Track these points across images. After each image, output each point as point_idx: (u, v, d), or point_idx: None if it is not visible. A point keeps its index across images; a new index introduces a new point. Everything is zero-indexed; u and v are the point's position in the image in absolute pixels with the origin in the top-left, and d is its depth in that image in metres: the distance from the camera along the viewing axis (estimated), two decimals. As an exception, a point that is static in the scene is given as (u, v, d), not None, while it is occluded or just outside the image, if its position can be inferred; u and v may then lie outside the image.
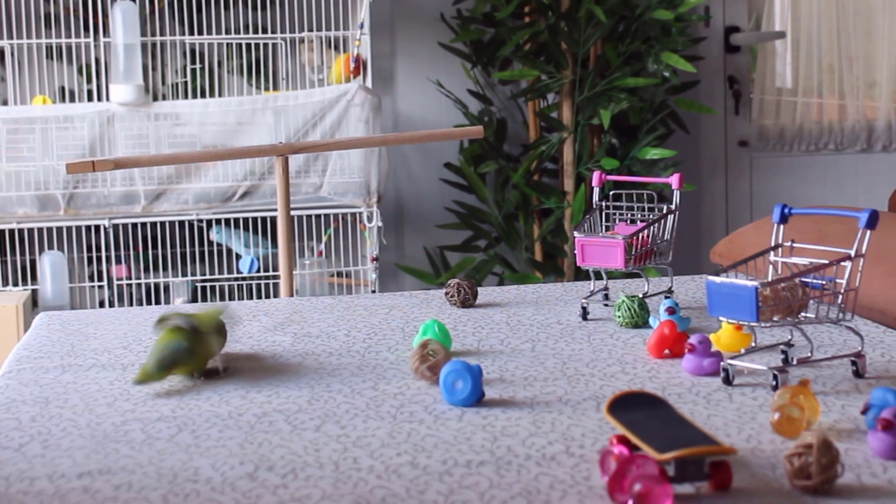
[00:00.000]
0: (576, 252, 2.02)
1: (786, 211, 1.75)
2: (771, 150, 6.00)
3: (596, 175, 2.15)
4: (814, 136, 6.02)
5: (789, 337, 1.69)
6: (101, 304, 4.69)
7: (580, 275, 4.68)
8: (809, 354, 1.67)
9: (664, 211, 2.06)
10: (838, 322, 1.66)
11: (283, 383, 1.65)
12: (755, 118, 5.95)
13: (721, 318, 1.62)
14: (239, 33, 4.90)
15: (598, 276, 2.09)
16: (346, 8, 4.76)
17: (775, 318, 1.59)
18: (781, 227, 1.74)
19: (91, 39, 4.63)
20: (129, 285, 4.76)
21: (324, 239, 4.92)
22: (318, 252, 4.91)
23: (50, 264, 4.48)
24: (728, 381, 1.62)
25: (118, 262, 4.65)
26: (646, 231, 2.02)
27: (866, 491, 1.22)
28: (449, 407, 1.52)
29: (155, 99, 4.69)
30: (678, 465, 1.21)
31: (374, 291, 4.73)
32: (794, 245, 1.73)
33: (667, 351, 1.77)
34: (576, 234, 2.03)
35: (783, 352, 1.62)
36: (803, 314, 1.62)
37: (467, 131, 3.90)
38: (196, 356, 2.06)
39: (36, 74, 4.62)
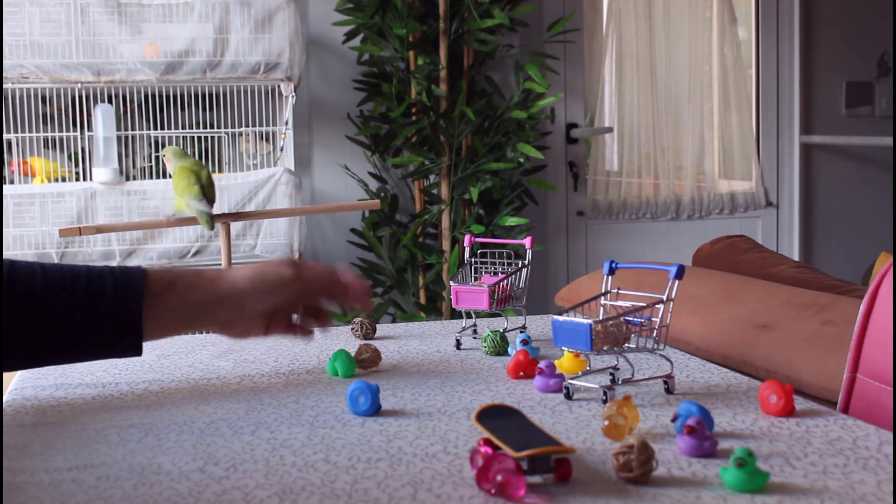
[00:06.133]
0: (451, 297, 2.02)
1: (613, 265, 1.76)
2: (602, 219, 6.04)
3: (467, 238, 2.15)
4: (635, 207, 6.08)
5: (616, 362, 1.70)
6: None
7: (455, 314, 4.69)
8: (631, 376, 1.67)
9: (520, 265, 2.07)
10: (654, 351, 1.67)
11: (225, 398, 1.63)
12: (589, 194, 6.00)
13: (563, 348, 1.63)
14: (192, 128, 4.88)
15: (468, 315, 2.09)
16: (274, 108, 4.76)
17: (605, 348, 1.59)
18: (610, 277, 1.75)
19: (78, 133, 4.59)
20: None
21: (257, 287, 4.89)
22: (253, 297, 4.87)
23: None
24: (569, 396, 1.62)
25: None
26: (505, 281, 2.02)
27: (675, 481, 1.23)
28: (353, 416, 1.51)
29: (127, 179, 4.65)
30: (530, 461, 1.21)
31: (296, 327, 4.70)
32: (620, 291, 1.74)
33: (521, 373, 1.77)
34: (451, 283, 2.03)
35: (611, 374, 1.62)
36: (627, 345, 1.63)
37: (368, 204, 3.89)
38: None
39: (36, 160, 4.58)
